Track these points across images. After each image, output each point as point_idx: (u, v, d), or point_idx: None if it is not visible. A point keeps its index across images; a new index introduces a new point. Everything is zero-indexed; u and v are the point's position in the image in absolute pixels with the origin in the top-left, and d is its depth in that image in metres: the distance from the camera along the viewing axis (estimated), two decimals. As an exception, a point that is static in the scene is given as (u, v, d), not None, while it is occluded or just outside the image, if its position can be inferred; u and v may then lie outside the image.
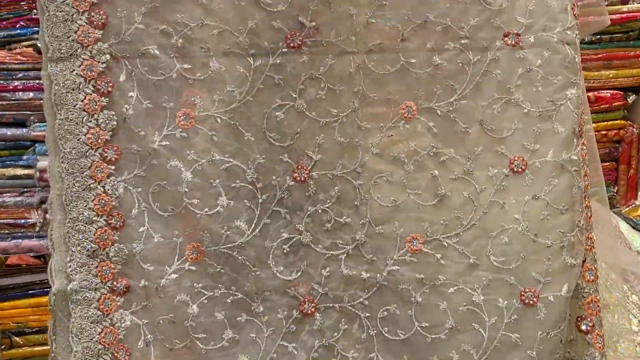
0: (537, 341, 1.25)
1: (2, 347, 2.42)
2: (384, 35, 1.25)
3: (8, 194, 2.03)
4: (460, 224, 1.26)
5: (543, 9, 1.24)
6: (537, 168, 1.25)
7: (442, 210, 1.27)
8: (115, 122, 1.21)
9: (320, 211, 1.26)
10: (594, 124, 2.01)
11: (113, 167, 1.22)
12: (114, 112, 1.21)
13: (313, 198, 1.26)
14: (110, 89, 1.21)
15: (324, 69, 1.24)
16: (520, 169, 1.26)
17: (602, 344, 1.28)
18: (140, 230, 1.23)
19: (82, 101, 1.20)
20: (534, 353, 1.25)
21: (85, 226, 1.21)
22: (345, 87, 1.25)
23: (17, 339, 2.42)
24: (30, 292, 2.25)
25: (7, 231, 2.10)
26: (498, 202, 1.26)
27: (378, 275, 1.26)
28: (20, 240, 2.11)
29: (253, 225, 1.25)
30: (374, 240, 1.27)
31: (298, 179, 1.25)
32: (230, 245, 1.24)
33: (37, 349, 2.30)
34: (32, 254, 2.16)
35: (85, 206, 1.21)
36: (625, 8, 2.02)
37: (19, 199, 2.04)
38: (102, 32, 1.20)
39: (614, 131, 2.14)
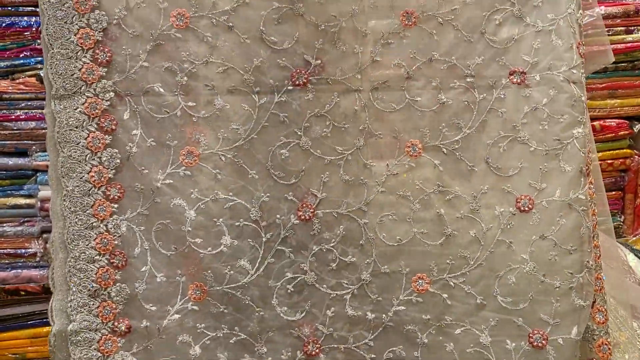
0: None
1: (0, 378, 2.41)
2: (389, 73, 1.25)
3: (8, 224, 2.03)
4: (467, 264, 1.26)
5: (548, 47, 1.25)
6: (544, 207, 1.25)
7: (448, 249, 1.26)
8: (118, 160, 1.21)
9: (324, 250, 1.25)
10: (599, 153, 2.00)
11: (116, 206, 1.22)
12: (117, 150, 1.21)
13: (318, 237, 1.25)
14: (114, 126, 1.21)
15: (330, 106, 1.24)
16: (527, 208, 1.25)
17: None
18: (143, 269, 1.22)
19: (85, 139, 1.20)
20: None
21: (87, 265, 1.20)
22: (351, 125, 1.25)
23: (15, 369, 2.40)
24: (29, 322, 2.22)
25: (7, 261, 2.09)
26: (505, 241, 1.25)
27: (384, 315, 1.25)
28: (20, 270, 2.10)
29: (257, 264, 1.24)
30: (380, 279, 1.26)
31: (302, 217, 1.25)
32: (234, 285, 1.23)
33: (35, 381, 2.25)
34: (32, 284, 2.14)
35: (88, 245, 1.20)
36: (629, 38, 2.03)
37: (19, 228, 2.03)
38: (106, 69, 1.21)
39: (620, 160, 2.13)
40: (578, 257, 1.24)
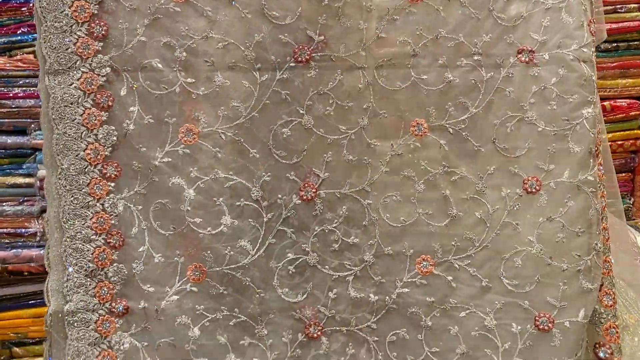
0: None
1: (2, 357, 2.38)
2: (394, 51, 1.20)
3: (8, 203, 1.99)
4: (472, 246, 1.22)
5: (558, 25, 1.19)
6: (552, 189, 1.21)
7: (453, 231, 1.22)
8: (115, 138, 1.17)
9: (327, 231, 1.22)
10: (609, 134, 1.95)
11: (113, 184, 1.18)
12: (114, 127, 1.17)
13: (320, 217, 1.21)
14: (110, 103, 1.17)
15: (333, 84, 1.20)
16: (534, 190, 1.21)
17: None
18: (141, 249, 1.19)
19: (80, 116, 1.16)
20: None
21: (83, 245, 1.17)
22: (354, 103, 1.21)
23: (17, 349, 2.37)
24: (30, 302, 2.20)
25: (7, 241, 2.06)
26: (511, 223, 1.21)
27: (387, 297, 1.22)
28: (20, 250, 2.07)
29: (258, 245, 1.21)
30: (383, 261, 1.22)
31: (304, 197, 1.21)
32: (234, 265, 1.20)
33: (37, 360, 2.23)
34: (32, 264, 2.12)
35: (84, 224, 1.17)
36: (642, 15, 1.96)
37: (19, 208, 2.00)
38: (102, 44, 1.16)
39: (631, 141, 2.06)
40: (586, 239, 1.20)
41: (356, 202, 1.22)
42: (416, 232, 1.22)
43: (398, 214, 1.22)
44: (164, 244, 1.19)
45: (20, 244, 2.06)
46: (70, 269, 1.16)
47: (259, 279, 1.21)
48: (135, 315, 1.19)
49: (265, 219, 1.20)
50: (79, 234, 1.16)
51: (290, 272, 1.21)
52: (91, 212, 1.17)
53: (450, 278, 1.22)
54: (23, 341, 2.33)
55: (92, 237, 1.17)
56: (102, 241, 1.17)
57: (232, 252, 1.20)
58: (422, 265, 1.22)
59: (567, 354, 1.20)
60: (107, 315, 1.18)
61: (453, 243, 1.22)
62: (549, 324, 1.20)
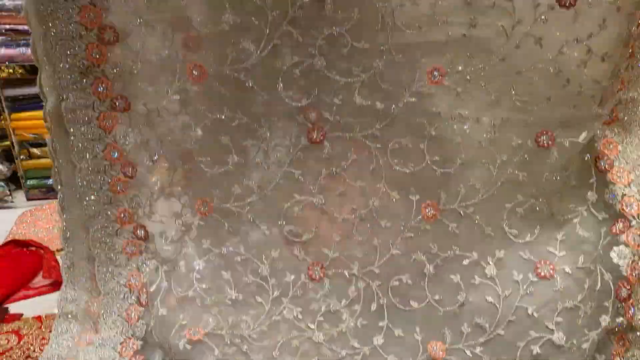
0: (543, 181, 1.13)
1: (21, 157, 2.35)
2: None
3: (6, -3, 1.78)
4: (488, 58, 1.05)
5: None
6: (588, 6, 1.00)
7: (470, 42, 1.04)
8: None
9: (336, 34, 1.04)
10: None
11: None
12: None
13: (329, 19, 1.03)
14: None
15: None
16: (568, 4, 1.01)
17: (625, 180, 1.13)
18: (137, 46, 1.03)
19: None
20: (536, 190, 1.14)
21: (73, 42, 1.00)
22: None
23: (34, 149, 2.33)
24: (42, 103, 2.08)
25: (11, 38, 1.88)
26: (534, 37, 1.03)
27: (393, 106, 1.09)
28: (26, 48, 1.91)
29: (262, 45, 1.04)
30: (393, 69, 1.06)
31: (313, -5, 1.01)
32: (237, 66, 1.05)
33: (55, 160, 2.18)
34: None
35: (69, 19, 0.98)
36: None
37: (18, 2, 1.79)
38: None
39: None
40: (609, 65, 1.03)
41: (369, 4, 1.02)
42: (431, 41, 1.04)
43: (414, 21, 1.03)
44: (160, 41, 1.03)
45: (24, 42, 1.89)
46: (61, 66, 1.00)
47: (262, 81, 1.07)
48: (136, 113, 1.07)
49: (270, 18, 1.02)
50: (67, 27, 0.98)
51: (295, 75, 1.07)
52: (77, 6, 0.98)
53: (459, 89, 1.07)
54: (39, 142, 2.27)
55: (82, 32, 0.99)
56: (94, 37, 1.01)
57: (234, 53, 1.04)
58: (432, 75, 1.07)
59: (558, 170, 1.12)
60: (108, 112, 1.06)
61: (468, 54, 1.05)
62: (549, 141, 1.10)
